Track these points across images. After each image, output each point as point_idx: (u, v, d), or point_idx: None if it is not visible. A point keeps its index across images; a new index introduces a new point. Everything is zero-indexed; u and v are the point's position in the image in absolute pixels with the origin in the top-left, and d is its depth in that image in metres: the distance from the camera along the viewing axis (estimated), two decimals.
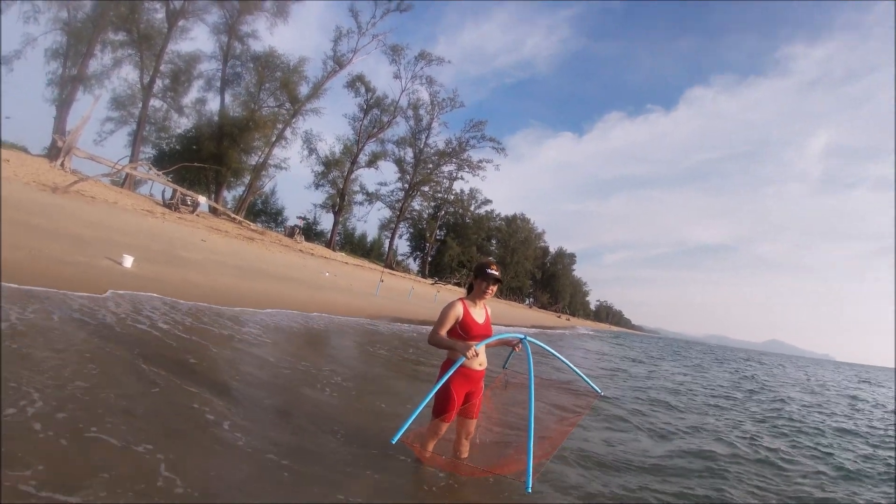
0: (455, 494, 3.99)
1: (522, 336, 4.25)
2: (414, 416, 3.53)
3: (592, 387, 4.80)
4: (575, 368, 4.84)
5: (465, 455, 4.26)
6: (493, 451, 4.53)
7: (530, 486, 3.16)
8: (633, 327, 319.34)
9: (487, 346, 4.21)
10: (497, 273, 4.14)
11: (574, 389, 5.40)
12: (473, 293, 4.24)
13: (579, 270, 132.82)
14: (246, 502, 3.06)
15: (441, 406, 4.06)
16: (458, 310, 4.10)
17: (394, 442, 3.46)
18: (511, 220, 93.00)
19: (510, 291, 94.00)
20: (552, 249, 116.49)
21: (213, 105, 42.52)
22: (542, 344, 4.41)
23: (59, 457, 2.94)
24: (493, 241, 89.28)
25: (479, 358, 4.11)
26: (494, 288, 4.20)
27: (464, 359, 3.87)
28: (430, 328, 4.14)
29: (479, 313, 4.22)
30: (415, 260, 76.38)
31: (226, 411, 4.44)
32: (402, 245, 75.31)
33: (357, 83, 53.79)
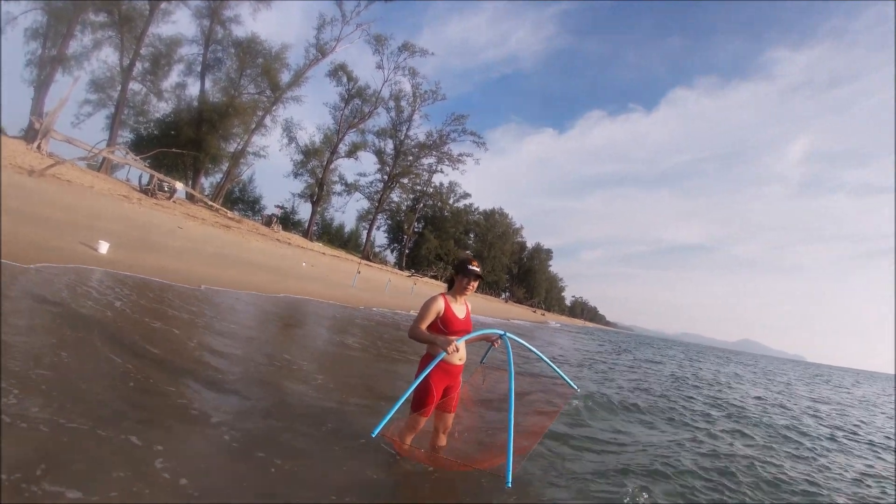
0: (435, 488, 4.09)
1: (502, 332, 4.34)
2: (394, 410, 3.66)
3: (569, 383, 4.92)
4: (553, 365, 4.96)
5: (444, 445, 4.40)
6: (473, 445, 4.60)
7: (510, 480, 3.25)
8: (607, 324, 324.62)
9: (467, 342, 4.34)
10: (478, 269, 4.27)
11: (551, 386, 5.52)
12: (454, 289, 4.35)
13: (556, 266, 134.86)
14: (232, 501, 3.11)
15: (420, 400, 4.16)
16: (440, 304, 4.19)
17: (374, 435, 3.58)
18: (489, 215, 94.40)
19: (486, 286, 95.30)
20: (529, 245, 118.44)
21: (193, 90, 42.76)
22: (521, 341, 4.57)
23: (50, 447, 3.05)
24: (471, 235, 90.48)
25: (458, 353, 4.21)
26: (475, 284, 4.32)
27: (444, 354, 4.00)
28: (407, 313, 4.71)
29: (459, 309, 4.34)
30: (392, 252, 77.20)
31: (211, 406, 4.53)
32: (380, 237, 76.04)
33: (339, 72, 54.17)
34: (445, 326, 4.16)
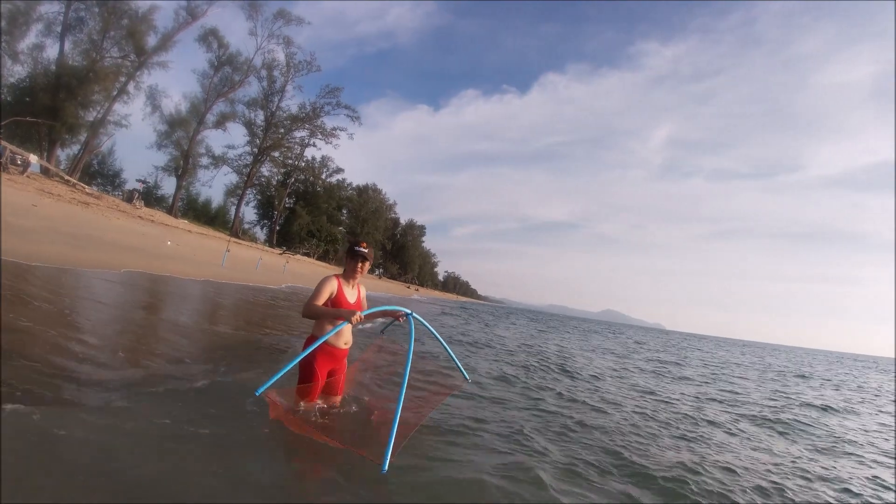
0: (304, 457, 3.99)
1: (409, 312, 4.36)
2: (282, 373, 3.69)
3: (462, 372, 5.10)
4: (450, 351, 5.03)
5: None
6: (350, 422, 4.50)
7: (386, 466, 3.15)
8: (479, 297, 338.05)
9: (371, 317, 4.42)
10: (365, 250, 4.34)
11: (444, 372, 5.86)
12: (346, 272, 4.41)
13: (428, 242, 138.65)
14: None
15: (305, 382, 4.25)
16: (333, 285, 4.27)
17: (258, 394, 3.56)
18: (363, 191, 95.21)
19: None
20: (403, 221, 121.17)
21: (52, 52, 40.01)
22: (425, 323, 4.67)
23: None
24: (344, 211, 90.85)
25: (343, 336, 4.30)
26: (366, 265, 4.39)
27: (344, 324, 4.07)
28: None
29: (351, 293, 4.39)
30: (262, 229, 75.63)
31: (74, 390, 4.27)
32: (249, 213, 74.63)
33: (210, 37, 52.85)
34: (336, 308, 4.26)
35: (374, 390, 5.36)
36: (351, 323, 4.03)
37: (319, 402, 4.41)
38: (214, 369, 5.91)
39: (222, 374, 5.73)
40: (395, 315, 4.55)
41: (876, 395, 17.84)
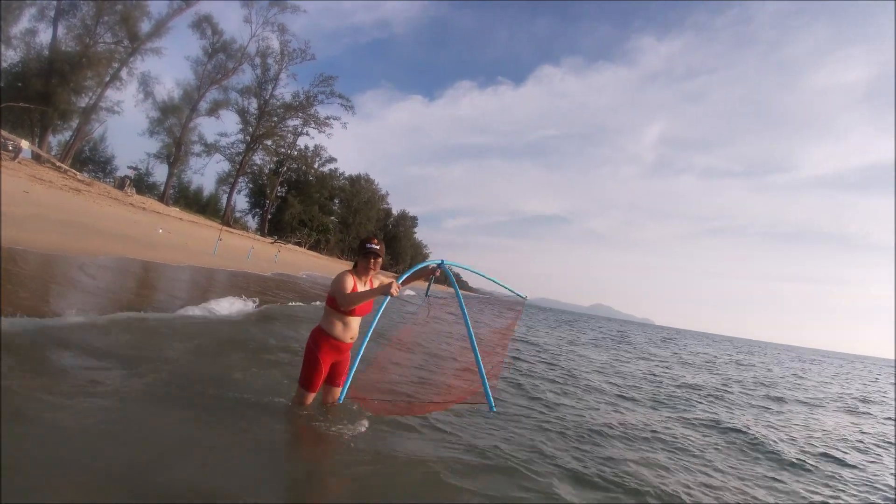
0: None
1: (440, 261, 4.45)
2: (352, 373, 4.17)
3: (515, 293, 5.07)
4: (495, 279, 5.09)
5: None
6: (432, 388, 4.61)
7: (493, 404, 3.27)
8: (470, 290, 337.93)
9: (407, 282, 4.58)
10: (377, 247, 4.33)
11: (500, 300, 5.77)
12: (358, 269, 4.38)
13: (420, 233, 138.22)
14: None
15: (308, 376, 4.35)
16: (350, 281, 4.26)
17: (340, 401, 3.75)
18: (355, 181, 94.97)
19: (351, 252, 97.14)
20: (395, 212, 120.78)
21: (45, 38, 39.88)
22: (459, 264, 4.70)
23: None
24: (336, 201, 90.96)
25: (350, 331, 4.38)
26: (378, 262, 4.36)
27: (388, 297, 4.20)
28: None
29: (365, 290, 4.34)
30: (254, 217, 75.62)
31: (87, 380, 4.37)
32: (241, 201, 74.41)
33: (204, 24, 52.72)
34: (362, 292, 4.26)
35: (445, 349, 5.38)
36: (391, 295, 4.05)
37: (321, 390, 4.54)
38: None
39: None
40: (429, 272, 4.66)
41: (763, 385, 17.84)
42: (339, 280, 4.22)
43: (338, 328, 4.32)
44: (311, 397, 4.41)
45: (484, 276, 5.14)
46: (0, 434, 2.96)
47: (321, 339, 4.32)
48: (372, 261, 4.32)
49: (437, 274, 4.66)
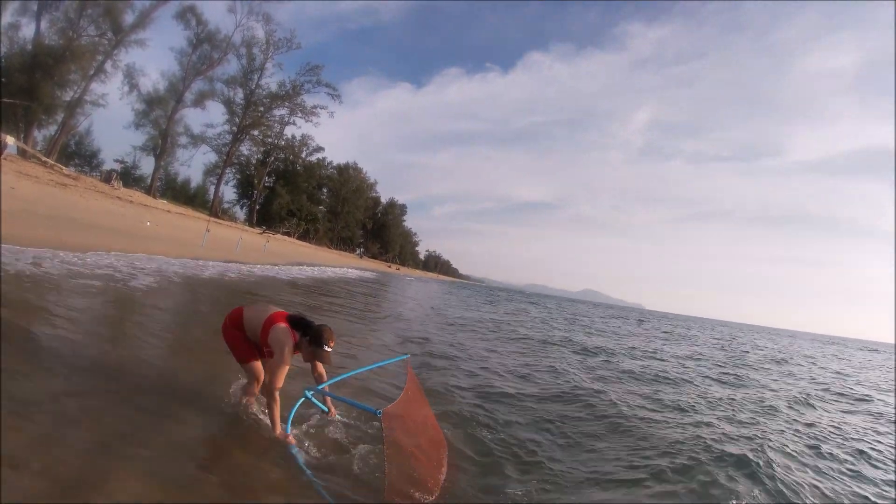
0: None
1: (306, 394, 4.58)
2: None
3: (397, 358, 5.73)
4: (376, 364, 5.82)
5: (257, 392, 4.57)
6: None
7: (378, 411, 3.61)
8: (460, 276, 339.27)
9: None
10: (330, 349, 4.31)
11: (387, 368, 6.50)
12: (304, 351, 4.35)
13: (409, 221, 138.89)
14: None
15: (244, 350, 4.46)
16: (289, 354, 4.22)
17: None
18: (343, 170, 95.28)
19: (341, 241, 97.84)
20: (383, 200, 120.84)
21: (28, 32, 39.85)
22: (327, 384, 4.75)
23: None
24: (324, 191, 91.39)
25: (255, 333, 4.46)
26: (324, 361, 4.40)
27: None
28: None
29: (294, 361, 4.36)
30: (242, 208, 76.02)
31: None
32: (229, 192, 74.62)
33: (188, 14, 52.99)
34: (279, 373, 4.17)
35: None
36: (278, 438, 4.15)
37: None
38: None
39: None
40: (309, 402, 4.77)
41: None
42: (286, 350, 4.17)
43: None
44: (259, 367, 4.50)
45: (363, 370, 5.75)
46: (0, 433, 3.03)
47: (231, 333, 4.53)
48: (323, 357, 4.32)
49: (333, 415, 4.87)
